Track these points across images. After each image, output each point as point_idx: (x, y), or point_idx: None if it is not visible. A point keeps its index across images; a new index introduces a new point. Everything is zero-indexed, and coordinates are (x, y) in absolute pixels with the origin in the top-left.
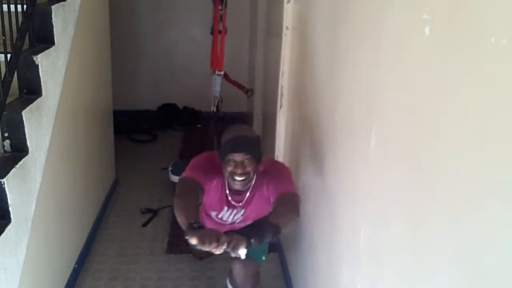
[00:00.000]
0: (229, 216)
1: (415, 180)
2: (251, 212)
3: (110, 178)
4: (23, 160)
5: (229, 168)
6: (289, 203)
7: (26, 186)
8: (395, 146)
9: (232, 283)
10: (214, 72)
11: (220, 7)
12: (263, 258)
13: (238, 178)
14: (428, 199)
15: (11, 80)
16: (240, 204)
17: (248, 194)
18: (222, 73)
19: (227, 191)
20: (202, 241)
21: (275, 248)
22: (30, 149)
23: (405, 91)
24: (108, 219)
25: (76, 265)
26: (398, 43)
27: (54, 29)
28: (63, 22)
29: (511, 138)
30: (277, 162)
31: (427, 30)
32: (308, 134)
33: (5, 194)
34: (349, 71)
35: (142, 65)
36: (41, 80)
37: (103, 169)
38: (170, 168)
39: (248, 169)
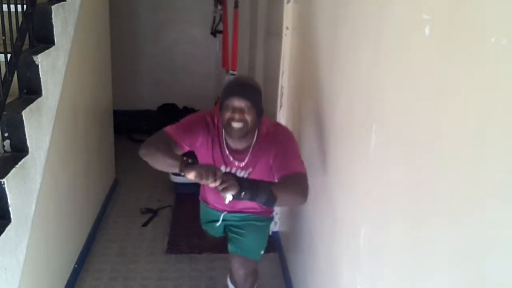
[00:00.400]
0: None
1: (415, 180)
2: (258, 174)
3: (110, 178)
4: (23, 160)
5: (227, 114)
6: (299, 186)
7: (26, 186)
8: (395, 146)
9: (233, 282)
10: (226, 72)
11: (220, 7)
12: (262, 252)
13: (235, 125)
14: (428, 199)
15: (11, 80)
16: (242, 164)
17: (249, 154)
18: (235, 73)
19: (226, 151)
20: (200, 175)
21: (275, 248)
22: (30, 149)
23: (405, 91)
24: (108, 219)
25: (76, 265)
26: (398, 43)
27: (54, 29)
28: (63, 22)
29: (511, 138)
30: (279, 125)
31: (427, 30)
32: (308, 134)
33: (5, 194)
34: (349, 71)
35: (142, 65)
36: (41, 80)
37: (103, 169)
38: None
39: (247, 117)
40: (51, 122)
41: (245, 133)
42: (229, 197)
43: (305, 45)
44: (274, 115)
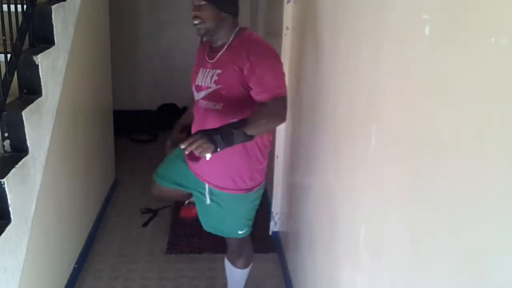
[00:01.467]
0: (203, 79)
1: (415, 180)
2: (227, 79)
3: (110, 178)
4: (23, 160)
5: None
6: (273, 113)
7: (26, 186)
8: (395, 146)
9: (227, 258)
10: None
11: None
12: (241, 231)
13: (194, 22)
14: (428, 199)
15: (11, 80)
16: (212, 61)
17: (221, 52)
18: None
19: (206, 52)
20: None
21: (275, 248)
22: (30, 149)
23: (405, 91)
24: (108, 219)
25: (76, 265)
26: (398, 43)
27: (54, 29)
28: (63, 22)
29: (511, 138)
30: (265, 41)
31: (427, 30)
32: (308, 134)
33: (5, 194)
34: (349, 71)
35: (142, 65)
36: (41, 80)
37: (103, 169)
38: None
39: (202, 14)
40: (51, 122)
41: (205, 30)
42: (208, 155)
43: (305, 45)
44: None
